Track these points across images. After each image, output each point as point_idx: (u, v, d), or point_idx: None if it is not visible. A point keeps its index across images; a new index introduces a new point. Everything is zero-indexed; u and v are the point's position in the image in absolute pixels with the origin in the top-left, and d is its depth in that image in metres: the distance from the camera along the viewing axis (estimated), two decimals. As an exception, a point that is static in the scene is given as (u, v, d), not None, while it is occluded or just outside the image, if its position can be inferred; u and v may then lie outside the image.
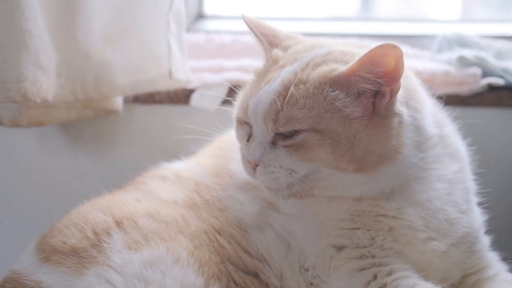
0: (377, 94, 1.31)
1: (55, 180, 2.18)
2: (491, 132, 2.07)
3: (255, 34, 1.51)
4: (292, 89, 1.31)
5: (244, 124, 1.42)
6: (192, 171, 1.57)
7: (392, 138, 1.32)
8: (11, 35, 1.53)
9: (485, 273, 1.51)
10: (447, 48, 2.20)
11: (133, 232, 1.36)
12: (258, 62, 1.52)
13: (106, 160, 2.18)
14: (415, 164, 1.39)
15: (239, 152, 1.46)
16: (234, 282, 1.36)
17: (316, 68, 1.34)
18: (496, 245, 1.59)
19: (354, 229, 1.39)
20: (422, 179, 1.42)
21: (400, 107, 1.35)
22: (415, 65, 2.02)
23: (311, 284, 1.39)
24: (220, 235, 1.41)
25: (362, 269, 1.36)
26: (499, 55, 2.15)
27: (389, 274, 1.34)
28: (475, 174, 1.57)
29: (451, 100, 1.81)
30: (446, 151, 1.48)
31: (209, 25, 2.58)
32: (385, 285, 1.33)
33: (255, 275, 1.39)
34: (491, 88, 2.05)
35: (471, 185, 1.53)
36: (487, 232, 1.56)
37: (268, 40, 1.49)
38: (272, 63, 1.44)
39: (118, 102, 2.04)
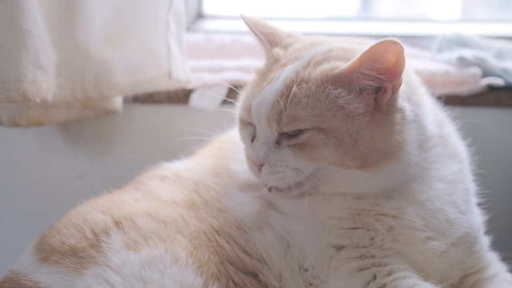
0: (379, 90, 1.32)
1: (54, 180, 2.18)
2: (491, 133, 2.07)
3: (255, 34, 1.51)
4: (294, 88, 1.32)
5: (247, 124, 1.43)
6: (192, 171, 1.57)
7: (395, 134, 1.32)
8: (11, 35, 1.53)
9: (485, 273, 1.51)
10: (447, 48, 2.20)
11: (132, 232, 1.36)
12: (258, 62, 1.52)
13: (106, 160, 2.18)
14: (417, 163, 1.39)
15: (239, 152, 1.47)
16: (233, 282, 1.36)
17: (318, 66, 1.35)
18: (496, 245, 1.59)
19: (354, 228, 1.39)
20: (422, 178, 1.42)
21: (402, 102, 1.35)
22: (415, 65, 2.02)
23: (311, 284, 1.39)
24: (219, 235, 1.41)
25: (362, 269, 1.36)
26: (499, 55, 2.15)
27: (389, 274, 1.34)
28: (475, 174, 1.57)
29: (450, 100, 1.81)
30: (446, 151, 1.48)
31: (208, 25, 2.58)
32: (385, 285, 1.33)
33: (254, 275, 1.39)
34: (491, 88, 2.05)
35: (471, 186, 1.53)
36: (487, 232, 1.56)
37: (268, 39, 1.49)
38: (273, 62, 1.44)
39: (117, 102, 2.04)
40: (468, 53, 2.08)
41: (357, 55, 1.28)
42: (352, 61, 1.29)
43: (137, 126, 2.18)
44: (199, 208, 1.46)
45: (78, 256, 1.34)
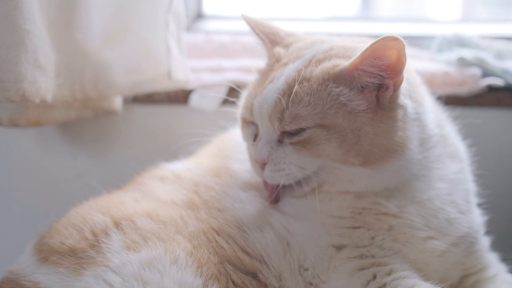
0: (380, 87, 1.32)
1: (54, 180, 2.18)
2: (491, 133, 2.07)
3: (256, 33, 1.51)
4: (296, 87, 1.32)
5: (249, 123, 1.43)
6: (191, 171, 1.57)
7: (397, 130, 1.33)
8: (10, 35, 1.53)
9: (485, 273, 1.51)
10: (447, 49, 2.20)
11: (131, 233, 1.36)
12: (257, 62, 1.52)
13: (105, 160, 2.18)
14: (419, 161, 1.40)
15: (240, 151, 1.47)
16: (233, 282, 1.36)
17: (319, 64, 1.35)
18: (496, 246, 1.59)
19: (354, 227, 1.40)
20: (423, 177, 1.42)
21: (404, 99, 1.36)
22: (415, 65, 2.02)
23: (311, 284, 1.39)
24: (218, 235, 1.40)
25: (362, 269, 1.36)
26: (499, 55, 2.15)
27: (389, 274, 1.34)
28: (475, 175, 1.57)
29: (450, 101, 1.82)
30: (446, 151, 1.48)
31: (208, 25, 2.58)
32: (385, 285, 1.33)
33: (254, 275, 1.39)
34: (491, 88, 2.05)
35: (471, 186, 1.54)
36: (487, 232, 1.56)
37: (269, 39, 1.50)
38: (274, 62, 1.44)
39: (117, 102, 2.04)
40: (468, 54, 2.08)
41: (358, 53, 1.28)
42: (353, 58, 1.29)
43: (136, 126, 2.17)
44: (199, 209, 1.46)
45: (77, 256, 1.34)
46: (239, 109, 1.48)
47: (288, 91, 1.33)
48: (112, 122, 2.16)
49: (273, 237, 1.41)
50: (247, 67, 2.07)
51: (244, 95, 1.48)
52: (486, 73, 2.07)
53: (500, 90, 2.05)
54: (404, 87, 1.35)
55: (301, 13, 2.76)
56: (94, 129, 2.17)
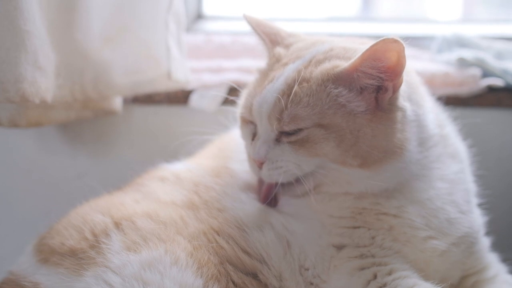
0: (379, 89, 1.32)
1: (54, 180, 2.18)
2: (491, 133, 2.07)
3: (257, 33, 1.51)
4: (296, 87, 1.32)
5: (248, 123, 1.43)
6: (191, 172, 1.57)
7: (396, 132, 1.33)
8: (10, 36, 1.53)
9: (485, 274, 1.51)
10: (447, 49, 2.20)
11: (131, 233, 1.36)
12: (257, 63, 1.52)
13: (105, 160, 2.18)
14: (419, 161, 1.40)
15: (240, 151, 1.47)
16: (233, 283, 1.36)
17: (319, 65, 1.35)
18: (496, 246, 1.59)
19: (354, 227, 1.40)
20: (423, 177, 1.42)
21: (403, 101, 1.35)
22: (415, 66, 2.02)
23: (311, 283, 1.38)
24: (219, 235, 1.40)
25: (362, 269, 1.36)
26: (499, 56, 2.15)
27: (389, 273, 1.34)
28: (475, 175, 1.57)
29: (451, 101, 1.82)
30: (447, 151, 1.48)
31: (208, 25, 2.58)
32: (385, 284, 1.33)
33: (254, 275, 1.39)
34: (491, 89, 2.05)
35: (472, 186, 1.54)
36: (487, 233, 1.56)
37: (270, 39, 1.50)
38: (275, 62, 1.44)
39: (117, 103, 2.04)
40: (468, 54, 2.08)
41: (358, 54, 1.28)
42: (353, 60, 1.29)
43: (136, 127, 2.17)
44: (199, 209, 1.46)
45: (77, 257, 1.34)
46: (238, 108, 1.48)
47: (287, 92, 1.33)
48: (112, 123, 2.16)
49: (273, 237, 1.41)
50: (247, 67, 2.07)
51: (244, 94, 1.48)
52: (486, 74, 2.07)
53: (500, 91, 2.05)
54: (403, 89, 1.35)
55: (301, 14, 2.76)
56: (94, 129, 2.17)
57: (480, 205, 1.55)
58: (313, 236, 1.40)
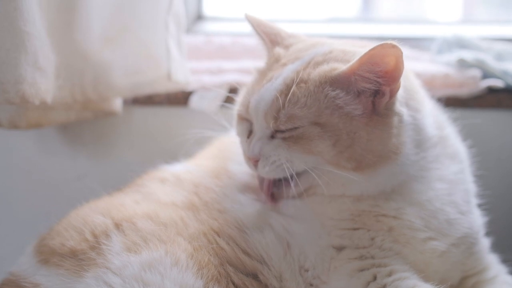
0: (377, 93, 1.32)
1: (54, 181, 2.18)
2: (491, 134, 2.07)
3: (258, 33, 1.52)
4: (294, 87, 1.32)
5: (244, 120, 1.44)
6: (191, 173, 1.57)
7: (392, 137, 1.33)
8: (10, 37, 1.53)
9: (484, 275, 1.51)
10: (447, 50, 2.20)
11: (132, 234, 1.36)
12: (257, 64, 1.52)
13: (105, 161, 2.18)
14: (415, 162, 1.40)
15: (239, 153, 1.47)
16: (233, 284, 1.36)
17: (317, 67, 1.35)
18: (496, 247, 1.59)
19: (354, 229, 1.40)
20: (422, 178, 1.42)
21: (400, 106, 1.35)
22: (415, 67, 2.02)
23: (311, 284, 1.39)
24: (219, 236, 1.40)
25: (362, 270, 1.36)
26: (499, 57, 2.14)
27: (389, 275, 1.34)
28: (475, 176, 1.57)
29: (451, 102, 1.81)
30: (446, 151, 1.48)
31: (208, 26, 2.58)
32: (385, 286, 1.33)
33: (254, 276, 1.39)
34: (491, 90, 2.05)
35: (471, 187, 1.53)
36: (487, 233, 1.56)
37: (270, 39, 1.51)
38: (274, 62, 1.45)
39: (117, 104, 2.04)
40: (468, 55, 2.08)
41: (357, 58, 1.28)
42: (351, 63, 1.29)
43: (136, 128, 2.17)
44: (199, 210, 1.46)
45: (78, 258, 1.34)
46: (236, 106, 1.48)
47: (285, 91, 1.34)
48: (112, 124, 2.16)
49: (273, 238, 1.41)
50: (247, 68, 2.07)
51: (242, 93, 1.49)
52: (486, 75, 2.06)
53: (500, 92, 2.04)
54: (401, 94, 1.35)
55: (301, 15, 2.76)
56: (94, 130, 2.17)
57: (480, 205, 1.55)
58: (313, 237, 1.40)
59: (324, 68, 1.34)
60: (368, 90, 1.31)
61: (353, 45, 1.46)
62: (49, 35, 1.68)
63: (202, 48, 2.27)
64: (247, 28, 1.53)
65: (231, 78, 2.05)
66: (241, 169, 1.51)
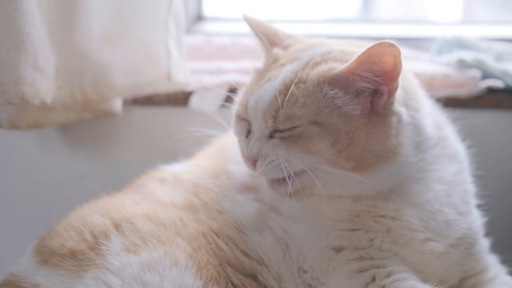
0: (375, 93, 1.32)
1: (54, 181, 2.18)
2: (491, 134, 2.07)
3: (256, 34, 1.52)
4: (292, 87, 1.32)
5: (243, 120, 1.44)
6: (191, 173, 1.57)
7: (390, 137, 1.32)
8: (10, 37, 1.53)
9: (484, 275, 1.51)
10: (446, 50, 2.19)
11: (131, 235, 1.36)
12: (257, 64, 1.53)
13: (105, 162, 2.18)
14: (414, 164, 1.40)
15: (238, 153, 1.47)
16: (233, 284, 1.36)
17: (316, 67, 1.35)
18: (496, 247, 1.59)
19: (353, 230, 1.39)
20: (421, 179, 1.42)
21: (398, 106, 1.35)
22: (415, 67, 2.02)
23: (310, 286, 1.38)
24: (218, 237, 1.41)
25: (361, 271, 1.36)
26: (499, 57, 2.14)
27: (388, 276, 1.34)
28: (475, 176, 1.57)
29: (450, 102, 1.82)
30: (445, 152, 1.48)
31: (208, 27, 2.58)
32: (384, 287, 1.33)
33: (254, 277, 1.39)
34: (491, 90, 2.05)
35: (470, 187, 1.53)
36: (486, 234, 1.56)
37: (269, 39, 1.51)
38: (272, 62, 1.45)
39: (117, 104, 2.04)
40: (467, 55, 2.08)
41: (355, 57, 1.28)
42: (349, 62, 1.30)
43: (136, 128, 2.18)
44: (198, 210, 1.46)
45: (77, 258, 1.34)
46: (234, 105, 1.48)
47: (284, 91, 1.34)
48: (112, 124, 2.16)
49: (272, 239, 1.41)
50: (247, 69, 2.06)
51: (240, 92, 1.49)
52: (486, 75, 2.06)
53: (500, 92, 2.04)
54: (399, 94, 1.35)
55: (301, 15, 2.76)
56: (94, 131, 2.17)
57: (479, 206, 1.55)
58: (311, 238, 1.40)
59: (323, 68, 1.34)
60: (366, 90, 1.31)
61: (352, 45, 1.46)
62: (49, 35, 1.69)
63: (202, 49, 2.27)
64: (247, 28, 1.53)
65: (231, 78, 2.05)
66: (240, 169, 1.51)
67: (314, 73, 1.34)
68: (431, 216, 1.40)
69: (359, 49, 1.37)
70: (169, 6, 1.98)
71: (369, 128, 1.31)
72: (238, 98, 1.48)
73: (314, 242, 1.40)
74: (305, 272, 1.39)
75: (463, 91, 2.03)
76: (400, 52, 1.26)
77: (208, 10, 2.64)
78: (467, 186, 1.52)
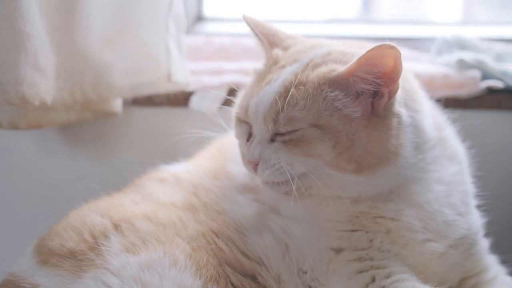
0: (375, 94, 1.32)
1: (54, 182, 2.18)
2: (491, 135, 2.07)
3: (256, 34, 1.51)
4: (292, 90, 1.32)
5: (243, 123, 1.43)
6: (191, 174, 1.57)
7: (391, 139, 1.32)
8: (10, 37, 1.53)
9: (484, 276, 1.51)
10: (446, 51, 2.20)
11: (130, 235, 1.36)
12: (257, 65, 1.52)
13: (105, 162, 2.18)
14: (414, 165, 1.39)
15: (238, 153, 1.47)
16: (232, 284, 1.36)
17: (316, 68, 1.35)
18: (495, 248, 1.59)
19: (352, 231, 1.39)
20: (421, 180, 1.42)
21: (399, 107, 1.35)
22: (415, 67, 2.02)
23: (309, 286, 1.38)
24: (218, 237, 1.41)
25: (361, 272, 1.36)
26: (499, 57, 2.14)
27: (387, 276, 1.34)
28: (475, 176, 1.57)
29: (450, 103, 1.81)
30: (445, 153, 1.48)
31: (208, 27, 2.58)
32: (383, 287, 1.32)
33: (253, 277, 1.39)
34: (491, 90, 2.05)
35: (470, 188, 1.53)
36: (486, 234, 1.56)
37: (269, 40, 1.50)
38: (272, 64, 1.44)
39: (117, 105, 2.04)
40: (467, 56, 2.08)
41: (355, 59, 1.28)
42: (349, 64, 1.29)
43: (136, 129, 2.18)
44: (198, 211, 1.46)
45: (77, 259, 1.34)
46: (234, 108, 1.48)
47: (284, 94, 1.33)
48: (112, 124, 2.16)
49: (272, 240, 1.41)
50: (247, 69, 2.06)
51: (240, 95, 1.48)
52: (485, 75, 2.06)
53: (500, 92, 2.04)
54: (399, 95, 1.35)
55: (301, 15, 2.76)
56: (94, 131, 2.17)
57: (479, 206, 1.54)
58: (311, 239, 1.40)
59: (323, 70, 1.34)
60: (367, 91, 1.31)
61: (352, 46, 1.46)
62: (49, 35, 1.69)
63: (202, 49, 2.27)
64: (247, 28, 1.53)
65: (231, 78, 2.05)
66: (240, 170, 1.51)
67: (314, 75, 1.33)
68: (431, 217, 1.40)
69: (359, 50, 1.37)
70: (169, 7, 1.98)
71: (369, 129, 1.31)
72: (238, 101, 1.48)
73: (313, 243, 1.40)
74: (305, 273, 1.39)
75: (463, 92, 2.04)
76: (400, 54, 1.25)
77: (208, 10, 2.64)
78: (467, 186, 1.52)
